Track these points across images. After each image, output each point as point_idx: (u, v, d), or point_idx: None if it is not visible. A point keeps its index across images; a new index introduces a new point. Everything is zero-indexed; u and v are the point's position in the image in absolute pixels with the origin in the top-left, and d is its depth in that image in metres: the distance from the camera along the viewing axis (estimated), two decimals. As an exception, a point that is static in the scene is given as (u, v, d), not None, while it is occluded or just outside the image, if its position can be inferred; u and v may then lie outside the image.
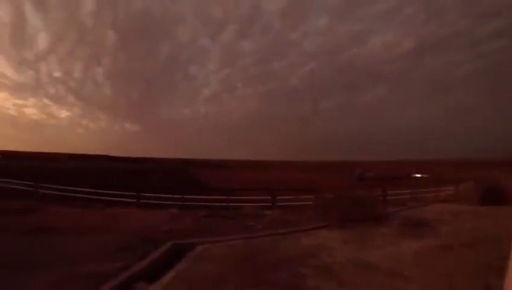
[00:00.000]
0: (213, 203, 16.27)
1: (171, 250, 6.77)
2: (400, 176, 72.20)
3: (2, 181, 23.43)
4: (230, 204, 16.41)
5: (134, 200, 16.77)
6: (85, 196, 18.65)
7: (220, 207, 15.39)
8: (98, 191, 19.05)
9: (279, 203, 16.43)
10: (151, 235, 8.21)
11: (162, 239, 7.77)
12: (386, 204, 14.87)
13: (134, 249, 6.93)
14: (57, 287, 4.94)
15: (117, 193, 18.20)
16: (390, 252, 6.31)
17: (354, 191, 12.12)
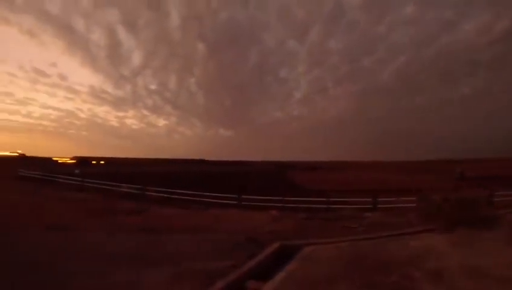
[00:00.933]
0: (312, 205, 16.39)
1: (278, 250, 6.85)
2: (505, 175, 63.93)
3: (112, 185, 25.59)
4: (330, 206, 16.43)
5: (235, 202, 17.52)
6: (188, 198, 19.80)
7: (321, 209, 15.45)
8: (200, 193, 20.03)
9: (379, 205, 16.07)
10: (255, 236, 8.43)
11: (266, 240, 7.97)
12: (493, 206, 13.70)
13: (242, 249, 7.18)
14: (171, 282, 5.28)
15: (218, 195, 19.04)
16: (502, 258, 5.79)
17: (459, 192, 11.52)
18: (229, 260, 6.31)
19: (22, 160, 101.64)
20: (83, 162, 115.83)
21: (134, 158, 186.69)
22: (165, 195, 21.10)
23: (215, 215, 12.75)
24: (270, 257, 6.54)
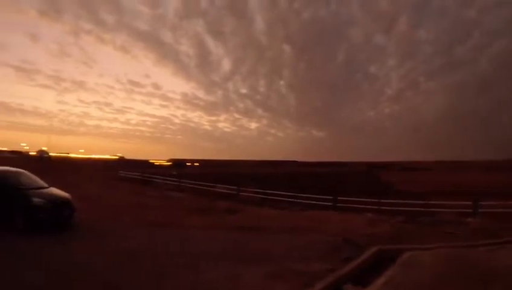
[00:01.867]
0: (410, 209, 15.72)
1: (376, 255, 6.86)
2: None
3: (207, 185, 26.79)
4: (428, 209, 15.65)
5: (330, 203, 17.46)
6: (282, 199, 19.96)
7: (417, 213, 14.77)
8: (293, 194, 20.08)
9: (481, 210, 14.78)
10: (352, 239, 8.45)
11: (363, 243, 7.95)
12: None
13: (339, 252, 7.24)
14: (268, 281, 5.48)
15: (312, 196, 19.01)
16: None
17: None
18: (325, 262, 6.40)
19: (122, 162, 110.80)
20: (178, 164, 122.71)
21: (228, 160, 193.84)
22: (260, 196, 21.64)
23: (311, 216, 12.93)
24: (368, 261, 6.57)
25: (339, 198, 17.75)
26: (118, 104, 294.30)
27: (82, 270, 6.18)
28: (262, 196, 21.42)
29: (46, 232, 9.08)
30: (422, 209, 16.00)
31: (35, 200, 9.51)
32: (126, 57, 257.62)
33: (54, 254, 7.32)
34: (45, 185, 11.19)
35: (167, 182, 31.33)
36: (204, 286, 5.53)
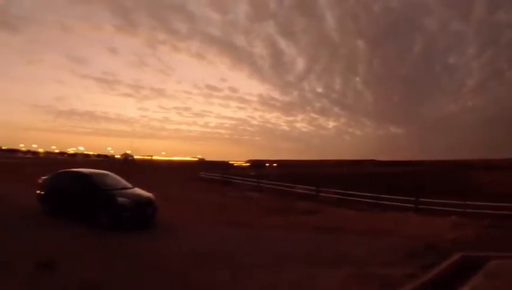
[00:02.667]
0: (498, 212, 14.81)
1: (460, 262, 6.62)
2: None
3: (286, 186, 27.07)
4: None
5: (413, 205, 16.92)
6: (361, 199, 19.76)
7: (507, 216, 14.02)
8: (373, 195, 19.85)
9: None
10: (435, 243, 8.12)
11: (446, 248, 7.55)
12: None
13: (421, 257, 6.99)
14: (344, 285, 5.52)
15: (393, 197, 18.49)
16: None
17: None
18: (405, 267, 6.28)
19: (202, 164, 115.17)
20: (256, 164, 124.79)
21: (306, 160, 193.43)
22: (339, 196, 21.50)
23: (391, 218, 12.73)
24: (450, 269, 5.94)
25: (420, 199, 17.25)
26: (197, 108, 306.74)
27: (159, 265, 6.82)
28: (341, 197, 21.25)
29: (130, 229, 9.78)
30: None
31: (120, 199, 10.22)
32: (202, 63, 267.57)
33: (134, 249, 8.04)
34: (129, 185, 11.96)
35: (246, 182, 32.24)
36: (281, 287, 5.72)
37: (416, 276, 5.07)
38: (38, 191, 12.38)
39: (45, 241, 8.26)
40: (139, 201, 10.64)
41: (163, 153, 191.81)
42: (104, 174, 12.38)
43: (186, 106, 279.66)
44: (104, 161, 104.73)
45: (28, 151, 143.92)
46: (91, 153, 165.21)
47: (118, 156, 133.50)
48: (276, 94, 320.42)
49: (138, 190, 11.67)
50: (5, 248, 7.52)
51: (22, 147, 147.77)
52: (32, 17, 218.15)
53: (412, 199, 17.45)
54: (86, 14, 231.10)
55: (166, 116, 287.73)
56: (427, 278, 4.44)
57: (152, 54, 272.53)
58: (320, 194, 22.93)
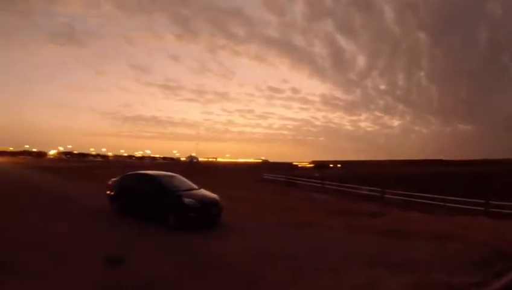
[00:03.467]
0: None
1: None
2: None
3: (350, 187, 26.81)
4: None
5: (482, 208, 16.13)
6: (428, 201, 19.11)
7: None
8: (441, 197, 19.06)
9: None
10: (506, 251, 7.74)
11: None
12: None
13: (489, 265, 6.65)
14: None
15: (462, 199, 17.62)
16: None
17: None
18: (473, 275, 6.02)
19: (265, 165, 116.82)
20: (320, 165, 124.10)
21: (370, 160, 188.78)
22: (405, 198, 20.93)
23: (460, 222, 12.16)
24: None
25: (491, 202, 16.35)
26: (260, 111, 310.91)
27: (223, 263, 7.10)
28: (407, 198, 20.70)
29: (196, 229, 10.16)
30: None
31: (187, 200, 10.59)
32: (262, 65, 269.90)
33: (200, 248, 8.43)
34: (195, 187, 12.39)
35: (310, 183, 32.44)
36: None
37: (486, 284, 5.23)
38: (108, 192, 13.41)
39: (114, 239, 9.00)
40: (205, 202, 11.02)
41: (228, 155, 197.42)
42: (171, 176, 12.99)
43: (249, 108, 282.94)
44: (170, 163, 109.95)
45: (98, 155, 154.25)
46: (157, 156, 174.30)
47: (183, 159, 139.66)
48: (338, 93, 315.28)
49: (204, 191, 12.10)
50: (77, 244, 8.28)
51: (92, 151, 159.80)
52: (97, 32, 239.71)
53: (482, 201, 16.59)
54: (146, 25, 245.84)
55: (229, 119, 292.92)
56: (496, 287, 4.02)
57: (213, 59, 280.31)
58: (385, 195, 22.54)
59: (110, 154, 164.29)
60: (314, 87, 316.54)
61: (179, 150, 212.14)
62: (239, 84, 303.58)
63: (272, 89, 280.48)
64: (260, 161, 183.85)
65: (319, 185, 30.66)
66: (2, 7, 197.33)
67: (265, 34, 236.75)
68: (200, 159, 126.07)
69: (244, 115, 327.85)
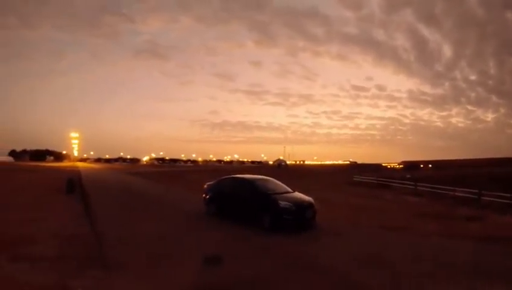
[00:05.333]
0: None
1: None
2: None
3: (444, 189, 25.61)
4: None
5: None
6: None
7: None
8: None
9: None
10: None
11: None
12: None
13: None
14: None
15: None
16: None
17: None
18: None
19: (354, 167, 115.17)
20: (410, 166, 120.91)
21: (464, 159, 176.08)
22: (506, 201, 19.13)
23: None
24: None
25: None
26: (346, 111, 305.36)
27: (318, 266, 7.21)
28: (508, 201, 18.92)
29: (290, 232, 10.27)
30: None
31: (282, 203, 10.73)
32: (344, 64, 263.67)
33: (295, 250, 8.52)
34: (289, 190, 12.46)
35: (402, 185, 31.85)
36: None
37: None
38: (203, 195, 13.97)
39: (211, 239, 9.50)
40: (300, 205, 11.07)
41: (315, 157, 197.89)
42: (266, 179, 13.26)
43: (335, 109, 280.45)
44: (258, 167, 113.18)
45: (188, 160, 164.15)
46: (245, 160, 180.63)
47: (271, 162, 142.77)
48: (426, 88, 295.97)
49: (298, 194, 12.13)
50: (176, 244, 8.91)
51: (182, 156, 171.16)
52: (178, 45, 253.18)
53: None
54: (226, 34, 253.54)
55: (315, 121, 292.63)
56: None
57: (294, 62, 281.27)
58: (483, 198, 20.98)
59: (199, 159, 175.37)
60: (400, 83, 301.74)
61: (266, 154, 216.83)
62: (322, 86, 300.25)
63: (356, 87, 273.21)
64: (348, 162, 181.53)
65: (411, 187, 29.90)
66: (90, 32, 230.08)
67: (345, 31, 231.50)
68: (288, 162, 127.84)
69: (330, 117, 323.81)
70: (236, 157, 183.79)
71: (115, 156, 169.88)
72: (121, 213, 13.72)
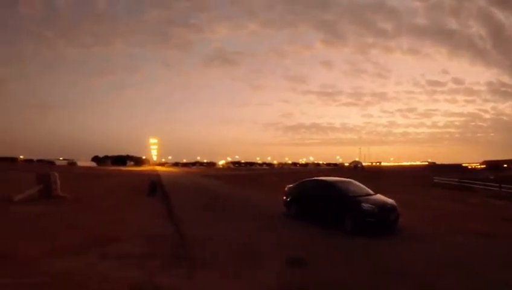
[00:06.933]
0: None
1: None
2: None
3: None
4: None
5: None
6: None
7: None
8: None
9: None
10: None
11: None
12: None
13: None
14: None
15: None
16: None
17: None
18: None
19: (433, 168, 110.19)
20: (493, 166, 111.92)
21: None
22: None
23: None
24: None
25: None
26: (422, 108, 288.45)
27: (400, 269, 7.15)
28: None
29: (372, 234, 10.07)
30: None
31: (365, 205, 10.63)
32: (417, 58, 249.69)
33: (377, 253, 8.47)
34: (371, 192, 12.35)
35: (486, 187, 30.61)
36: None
37: None
38: (284, 197, 14.22)
39: (293, 241, 9.56)
40: (383, 207, 10.95)
41: (391, 158, 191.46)
42: (347, 181, 13.14)
43: (410, 107, 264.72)
44: (334, 169, 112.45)
45: (264, 163, 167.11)
46: (321, 162, 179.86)
47: (346, 164, 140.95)
48: (506, 78, 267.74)
49: (381, 196, 12.03)
50: (259, 245, 8.97)
51: (258, 160, 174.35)
52: (248, 51, 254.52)
53: None
54: (293, 37, 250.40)
55: (391, 120, 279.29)
56: None
57: (365, 60, 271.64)
58: None
59: (275, 162, 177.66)
60: (479, 74, 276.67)
61: (341, 156, 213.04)
62: (396, 82, 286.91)
63: (431, 82, 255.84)
64: (426, 163, 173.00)
65: (496, 189, 28.72)
66: (161, 45, 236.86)
67: (414, 23, 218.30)
68: (364, 163, 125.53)
69: (405, 115, 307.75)
70: (311, 159, 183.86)
71: (192, 160, 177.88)
72: (201, 214, 14.31)
